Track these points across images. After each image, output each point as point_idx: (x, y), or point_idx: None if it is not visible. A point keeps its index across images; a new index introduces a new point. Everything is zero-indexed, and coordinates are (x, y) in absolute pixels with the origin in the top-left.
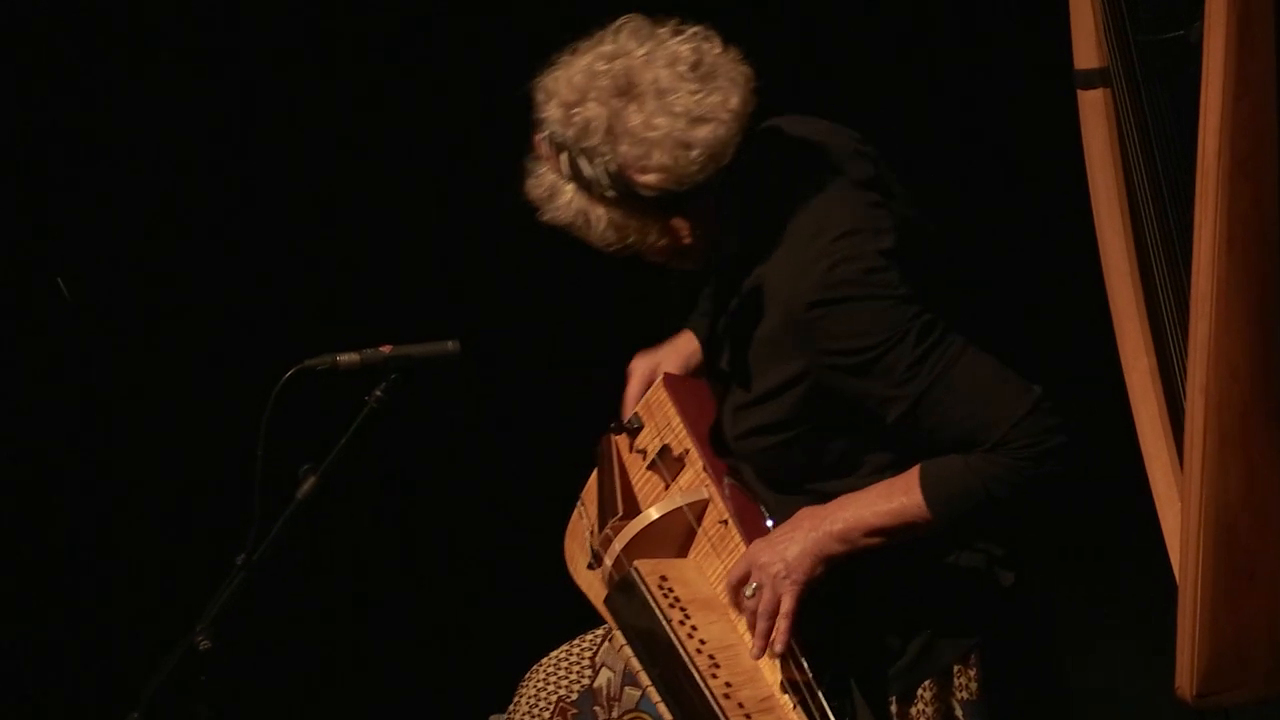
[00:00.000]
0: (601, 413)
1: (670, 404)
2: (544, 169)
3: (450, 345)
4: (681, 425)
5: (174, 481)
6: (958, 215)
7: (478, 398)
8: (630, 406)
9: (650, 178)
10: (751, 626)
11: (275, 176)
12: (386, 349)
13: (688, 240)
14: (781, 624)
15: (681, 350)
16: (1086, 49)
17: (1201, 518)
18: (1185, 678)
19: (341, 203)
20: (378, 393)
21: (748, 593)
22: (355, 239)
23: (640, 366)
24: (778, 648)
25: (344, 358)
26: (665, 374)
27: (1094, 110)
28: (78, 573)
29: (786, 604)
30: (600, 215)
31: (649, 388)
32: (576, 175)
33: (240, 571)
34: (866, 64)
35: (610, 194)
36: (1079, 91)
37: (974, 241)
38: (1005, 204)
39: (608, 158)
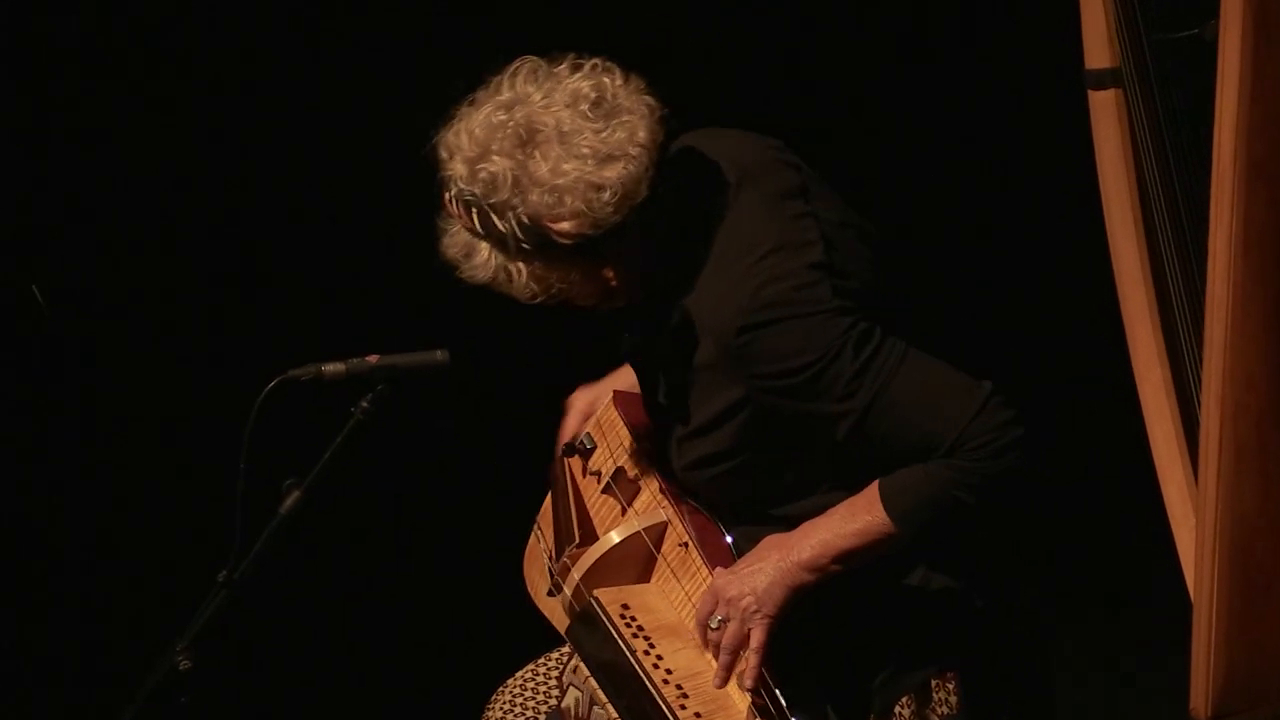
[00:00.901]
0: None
1: (621, 423)
2: (456, 227)
3: (439, 355)
4: (634, 445)
5: (153, 496)
6: (964, 219)
7: (461, 408)
8: (562, 439)
9: (565, 225)
10: (716, 656)
11: (264, 179)
12: (373, 359)
13: (614, 283)
14: (752, 659)
15: (624, 383)
16: (1097, 48)
17: (1217, 532)
18: (1200, 698)
19: (330, 208)
20: (364, 404)
21: (713, 624)
22: (343, 245)
23: (580, 400)
24: (747, 683)
25: (329, 368)
26: (615, 391)
27: (1105, 111)
28: (49, 588)
29: (757, 638)
30: (520, 269)
31: (585, 420)
32: (490, 232)
33: (222, 589)
34: (869, 63)
35: (527, 246)
36: (1090, 92)
37: (981, 246)
38: (1013, 208)
39: (519, 210)
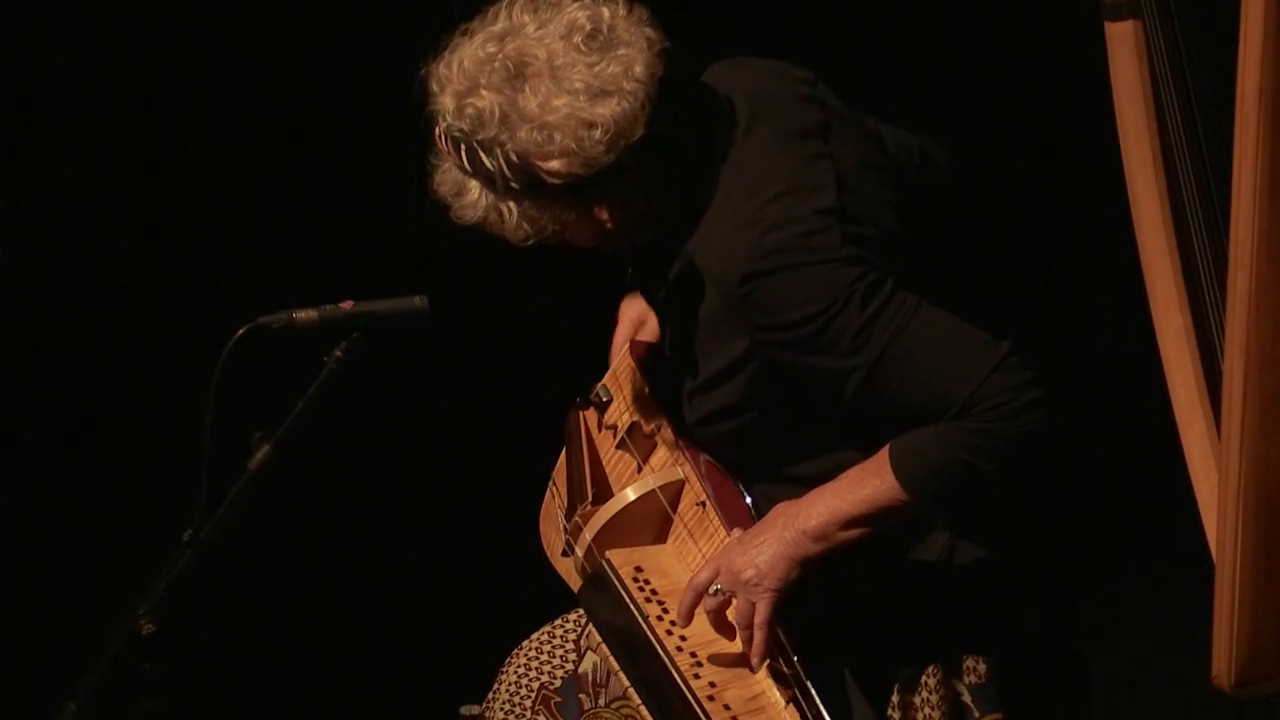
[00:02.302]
0: (583, 378)
1: (638, 374)
2: (447, 165)
3: (418, 301)
4: (651, 398)
5: (115, 451)
6: (969, 164)
7: (453, 358)
8: (615, 350)
9: (555, 164)
10: (716, 627)
11: (234, 123)
12: (348, 305)
13: (610, 225)
14: (758, 635)
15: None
16: None
17: (1241, 490)
18: (1223, 666)
19: (310, 150)
20: (338, 353)
21: (710, 591)
22: (317, 188)
23: (630, 310)
24: (754, 660)
25: (301, 314)
26: (632, 341)
27: (1123, 44)
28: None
29: (761, 613)
30: (510, 209)
31: (637, 328)
32: (478, 170)
33: (187, 549)
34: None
35: (516, 186)
36: (1106, 24)
37: (990, 192)
38: (1025, 148)
39: (507, 147)
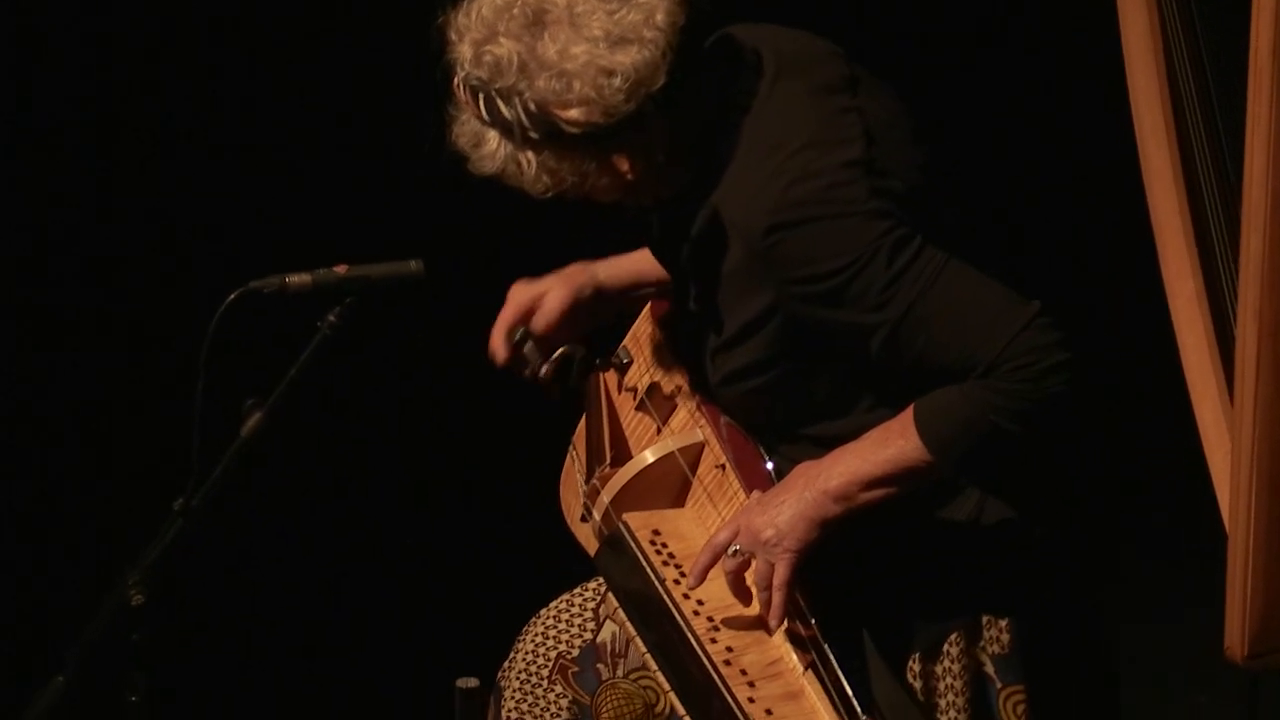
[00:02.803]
0: (602, 342)
1: (659, 334)
2: (465, 115)
3: (413, 265)
4: (672, 358)
5: (103, 418)
6: (975, 122)
7: (453, 322)
8: (496, 332)
9: (574, 112)
10: (734, 590)
11: (228, 84)
12: (342, 269)
13: (631, 176)
14: (776, 597)
15: (574, 277)
16: None
17: (1254, 458)
18: (1236, 636)
19: (297, 109)
20: (331, 318)
21: (729, 552)
22: (310, 149)
23: (522, 293)
24: (773, 622)
25: (294, 279)
26: (653, 301)
27: (1133, 2)
28: None
29: (780, 574)
30: (529, 160)
31: (523, 315)
32: (496, 119)
33: (177, 518)
34: None
35: (535, 135)
36: None
37: (997, 153)
38: (1032, 108)
39: (526, 96)
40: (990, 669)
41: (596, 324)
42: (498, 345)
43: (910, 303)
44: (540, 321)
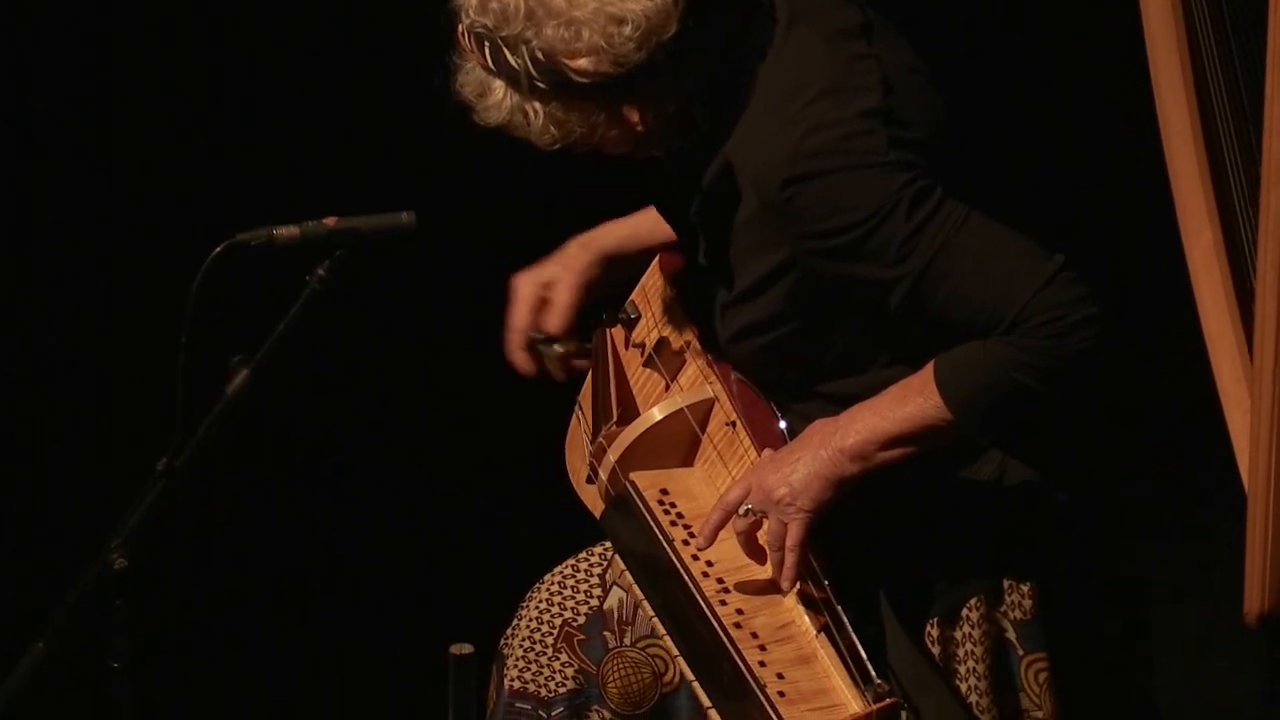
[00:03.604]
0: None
1: (667, 288)
2: (470, 64)
3: (404, 217)
4: (681, 313)
5: (85, 375)
6: (983, 70)
7: (448, 277)
8: (513, 336)
9: (583, 62)
10: (745, 551)
11: (221, 33)
12: (331, 221)
13: (642, 128)
14: (789, 557)
15: (575, 261)
16: None
17: (1274, 415)
18: (1255, 598)
19: (286, 57)
20: (320, 272)
21: (740, 511)
22: (301, 95)
23: (527, 286)
24: (785, 584)
25: (282, 231)
26: (661, 254)
27: None
28: None
29: (794, 535)
30: (536, 111)
31: (534, 310)
32: (503, 69)
33: (161, 479)
34: None
35: (542, 85)
36: None
37: (1007, 101)
38: (1046, 55)
39: (533, 44)
40: (1012, 635)
41: (609, 290)
42: (520, 359)
43: (932, 256)
44: (555, 321)
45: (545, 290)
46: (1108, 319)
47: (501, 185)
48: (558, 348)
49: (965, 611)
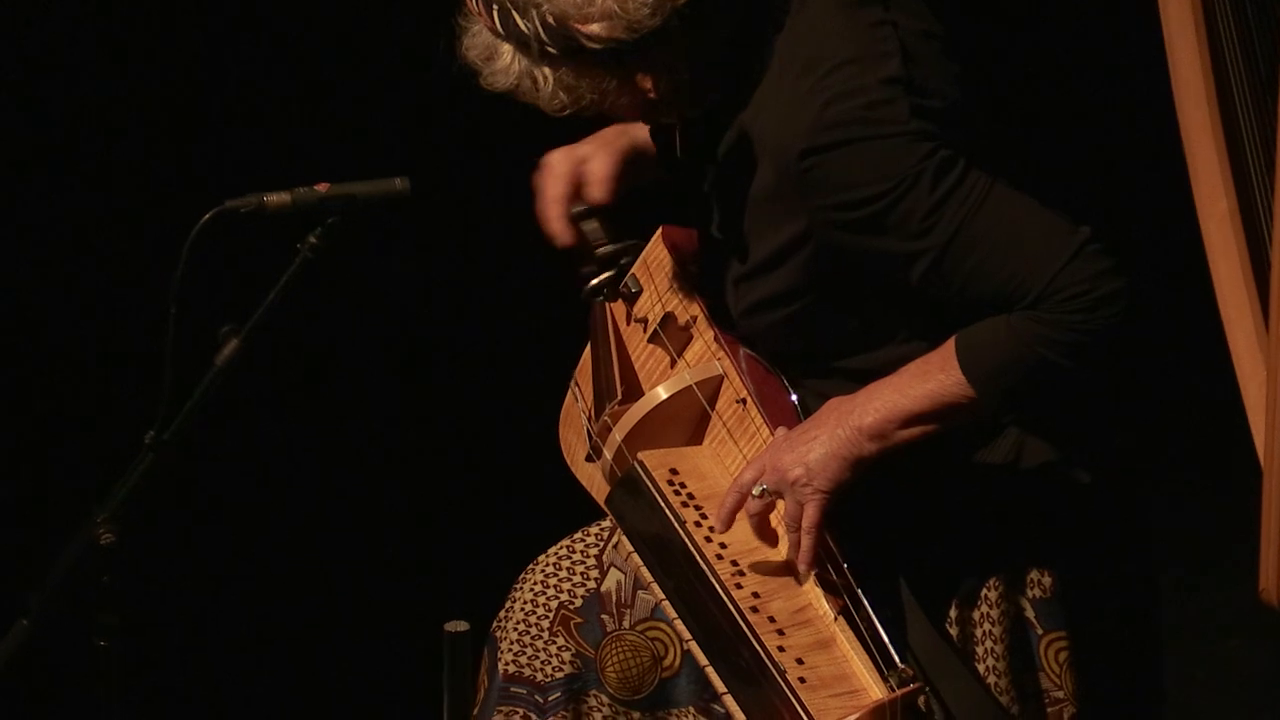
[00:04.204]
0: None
1: (672, 261)
2: (477, 26)
3: (398, 183)
4: (687, 287)
5: (71, 344)
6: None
7: (442, 245)
8: (549, 206)
9: (595, 27)
10: (759, 533)
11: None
12: (323, 187)
13: (654, 95)
14: (805, 539)
15: (614, 141)
16: None
17: None
18: (1271, 576)
19: (279, 23)
20: (312, 239)
21: (754, 493)
22: (292, 60)
23: (563, 160)
24: (801, 566)
25: (273, 198)
26: (664, 227)
27: None
28: None
29: (811, 516)
30: (546, 76)
31: (569, 182)
32: (511, 32)
33: (149, 452)
34: None
35: (553, 50)
36: None
37: (1017, 68)
38: (1056, 20)
39: (544, 8)
40: (1031, 614)
41: (638, 184)
42: (559, 228)
43: (955, 229)
44: (595, 191)
45: (581, 164)
46: (1134, 293)
47: (497, 154)
48: (596, 222)
49: (984, 591)
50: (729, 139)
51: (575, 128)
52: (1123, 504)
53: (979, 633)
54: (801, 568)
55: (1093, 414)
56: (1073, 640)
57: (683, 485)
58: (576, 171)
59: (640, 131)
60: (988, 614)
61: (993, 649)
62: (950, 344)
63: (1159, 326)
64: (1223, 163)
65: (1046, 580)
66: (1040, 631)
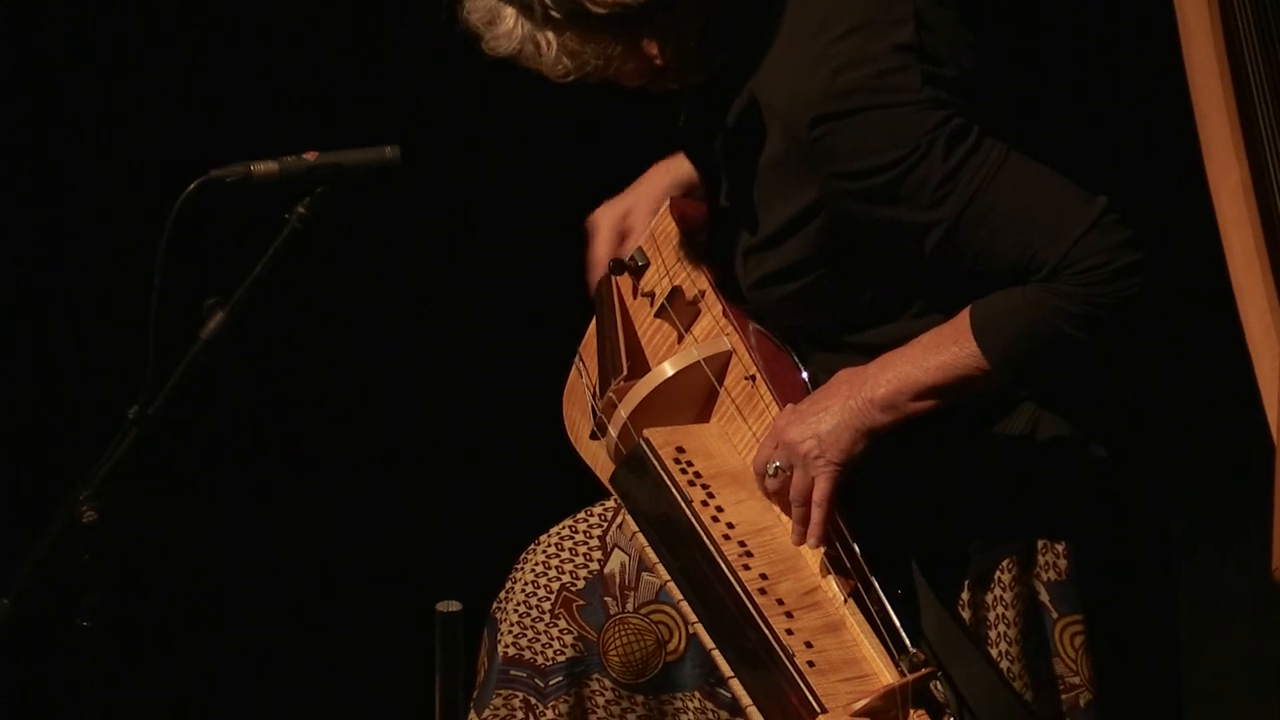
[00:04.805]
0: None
1: (679, 235)
2: None
3: (389, 151)
4: (695, 261)
5: (53, 316)
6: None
7: (435, 214)
8: (596, 271)
9: None
10: (769, 512)
11: None
12: (311, 156)
13: (660, 61)
14: (816, 513)
15: (657, 186)
16: None
17: None
18: None
19: None
20: (301, 210)
21: (769, 470)
22: (280, 24)
23: (606, 217)
24: (811, 541)
25: (260, 166)
26: (672, 198)
27: None
28: None
29: (821, 489)
30: (549, 41)
31: (620, 240)
32: None
33: (132, 428)
34: None
35: (556, 15)
36: None
37: (1027, 37)
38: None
39: None
40: (1045, 597)
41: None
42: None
43: (969, 199)
44: (635, 245)
45: (624, 220)
46: (1150, 265)
47: (492, 123)
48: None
49: (997, 574)
50: (738, 105)
51: (579, 96)
52: (1139, 481)
53: (992, 616)
54: (810, 543)
55: (1109, 389)
56: (1089, 624)
57: (689, 463)
58: (620, 228)
59: (685, 165)
60: (1001, 597)
61: (1006, 633)
62: (964, 315)
63: (1171, 303)
64: (1235, 134)
65: (1061, 563)
66: (1055, 615)
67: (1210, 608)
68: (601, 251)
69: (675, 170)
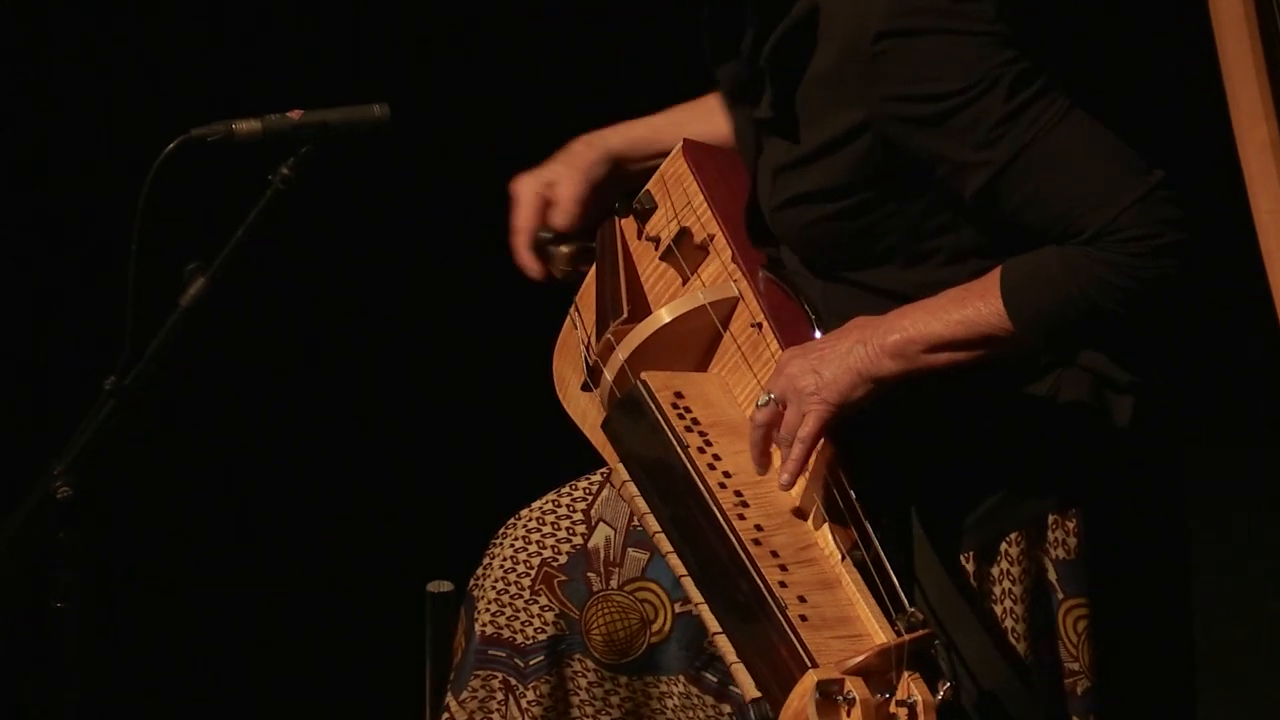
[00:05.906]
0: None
1: (691, 177)
2: None
3: (376, 110)
4: (705, 204)
5: (26, 281)
6: None
7: (424, 172)
8: (520, 239)
9: None
10: (759, 442)
11: None
12: (296, 114)
13: None
14: (797, 448)
15: (581, 158)
16: None
17: None
18: None
19: None
20: (285, 170)
21: (760, 401)
22: None
23: (528, 187)
24: (784, 478)
25: (242, 125)
26: (686, 140)
27: None
28: None
29: (810, 425)
30: None
31: (538, 211)
32: None
33: (109, 399)
34: None
35: None
36: None
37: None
38: None
39: None
40: (1053, 575)
41: (620, 192)
42: (527, 260)
43: (1022, 146)
44: (560, 219)
45: (548, 190)
46: (1192, 249)
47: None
48: (564, 248)
49: (1004, 547)
50: (798, 9)
51: (572, 74)
52: (1159, 459)
53: (998, 590)
54: (784, 477)
55: (1139, 357)
56: (1093, 609)
57: (688, 409)
58: (543, 197)
59: (612, 138)
60: (1008, 571)
61: (1011, 609)
62: (995, 273)
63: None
64: (1263, 89)
65: (1071, 541)
66: (1061, 596)
67: (1241, 589)
68: (523, 219)
69: (597, 143)
